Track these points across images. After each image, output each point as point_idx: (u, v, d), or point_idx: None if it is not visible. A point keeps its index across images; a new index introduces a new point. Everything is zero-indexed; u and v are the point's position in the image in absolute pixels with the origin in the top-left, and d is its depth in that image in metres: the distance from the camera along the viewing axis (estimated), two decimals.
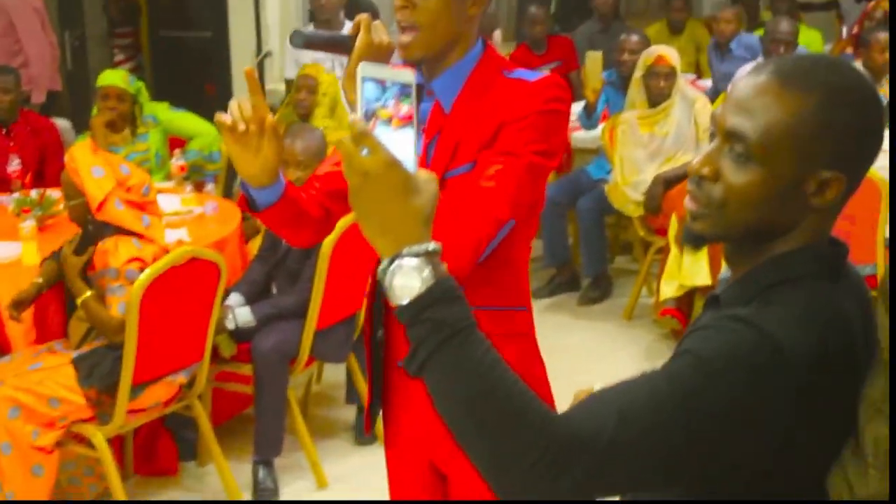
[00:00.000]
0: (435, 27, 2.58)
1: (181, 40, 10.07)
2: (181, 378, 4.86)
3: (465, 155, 2.60)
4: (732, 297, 1.84)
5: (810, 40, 8.84)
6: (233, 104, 2.50)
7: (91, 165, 4.70)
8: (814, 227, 1.83)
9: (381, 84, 1.75)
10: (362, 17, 2.70)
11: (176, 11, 10.43)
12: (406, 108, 1.75)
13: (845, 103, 1.77)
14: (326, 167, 2.90)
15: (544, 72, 2.71)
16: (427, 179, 1.72)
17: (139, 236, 4.72)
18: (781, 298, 1.76)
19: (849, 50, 8.80)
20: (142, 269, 4.60)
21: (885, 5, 8.71)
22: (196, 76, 10.09)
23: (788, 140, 1.76)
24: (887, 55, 7.16)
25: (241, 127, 2.47)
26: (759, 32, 8.62)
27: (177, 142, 6.99)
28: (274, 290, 5.43)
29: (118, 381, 4.57)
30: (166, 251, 4.76)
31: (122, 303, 4.59)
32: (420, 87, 1.78)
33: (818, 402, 1.70)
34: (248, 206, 2.68)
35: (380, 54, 2.63)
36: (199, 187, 6.39)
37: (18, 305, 4.81)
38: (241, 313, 5.18)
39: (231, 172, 7.78)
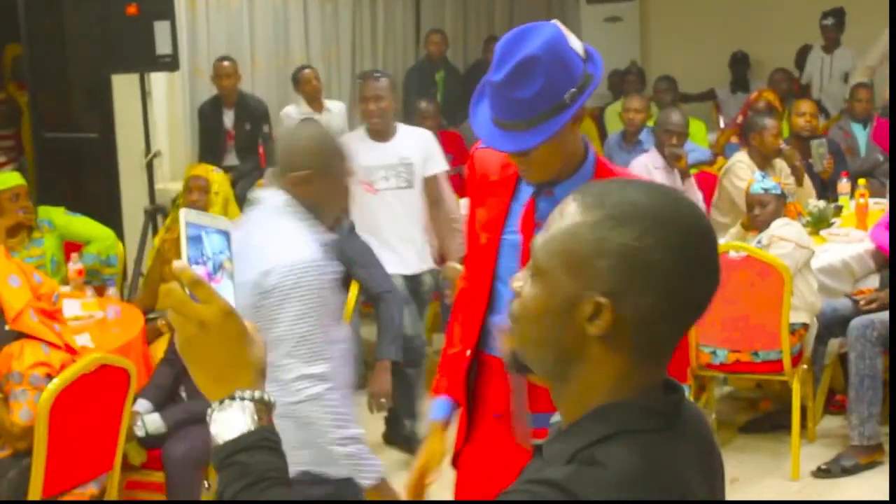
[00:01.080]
0: (549, 164, 2.82)
1: (66, 141, 9.90)
2: (91, 489, 4.72)
3: None
4: (555, 452, 1.62)
5: (695, 131, 9.02)
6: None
7: (7, 274, 4.59)
8: (623, 368, 1.62)
9: (203, 230, 1.72)
10: None
11: (60, 113, 10.26)
12: (223, 257, 1.73)
13: (626, 225, 1.58)
14: None
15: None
16: (257, 330, 1.72)
17: (48, 342, 4.62)
18: (605, 457, 1.54)
19: (734, 139, 8.99)
20: (48, 376, 4.51)
21: (767, 96, 8.94)
22: (82, 177, 9.93)
23: (562, 256, 1.61)
24: (780, 140, 7.33)
25: None
26: None
27: (71, 246, 6.86)
28: (182, 394, 5.32)
29: (26, 493, 4.42)
30: (74, 359, 4.65)
31: (25, 408, 4.48)
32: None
33: None
34: None
35: None
36: (100, 291, 6.26)
37: None
38: (150, 420, 5.06)
39: (133, 275, 7.66)
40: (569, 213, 1.63)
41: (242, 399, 1.68)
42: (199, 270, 1.68)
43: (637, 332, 1.59)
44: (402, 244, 6.47)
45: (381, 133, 6.50)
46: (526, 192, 2.96)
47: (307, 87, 9.29)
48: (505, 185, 3.00)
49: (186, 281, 1.64)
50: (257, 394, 1.68)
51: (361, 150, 6.44)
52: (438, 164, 6.62)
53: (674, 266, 1.58)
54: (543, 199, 2.89)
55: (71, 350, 4.72)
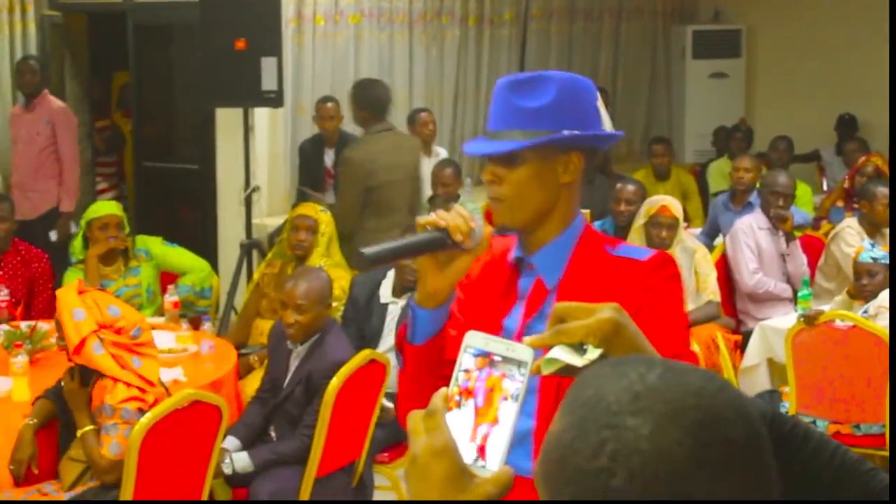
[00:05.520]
0: (522, 198, 2.54)
1: (166, 171, 10.00)
2: None
3: None
4: None
5: (801, 193, 8.85)
6: (456, 215, 2.41)
7: (73, 308, 4.63)
8: None
9: (488, 357, 1.61)
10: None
11: (162, 143, 10.38)
12: (515, 386, 1.59)
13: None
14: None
15: (649, 249, 2.66)
16: (495, 480, 1.55)
17: (141, 377, 4.62)
18: None
19: (839, 203, 8.82)
20: (140, 410, 4.50)
21: (876, 160, 8.75)
22: (179, 208, 10.00)
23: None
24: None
25: (459, 239, 2.39)
26: None
27: (168, 276, 6.87)
28: (272, 434, 5.28)
29: None
30: (168, 393, 4.65)
31: (115, 441, 4.49)
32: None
33: None
34: (407, 340, 2.53)
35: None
36: (195, 324, 6.25)
37: (20, 464, 4.69)
38: (238, 458, 5.02)
39: (226, 309, 7.64)
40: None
41: None
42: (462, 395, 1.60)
43: None
44: None
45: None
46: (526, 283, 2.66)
47: (424, 130, 9.27)
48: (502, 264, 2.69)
49: (427, 409, 1.57)
50: None
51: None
52: None
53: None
54: (524, 274, 2.63)
55: (149, 384, 4.68)
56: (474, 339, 1.61)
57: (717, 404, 1.28)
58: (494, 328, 2.54)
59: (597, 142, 2.63)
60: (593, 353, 1.69)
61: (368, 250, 2.34)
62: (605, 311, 1.71)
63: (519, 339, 2.33)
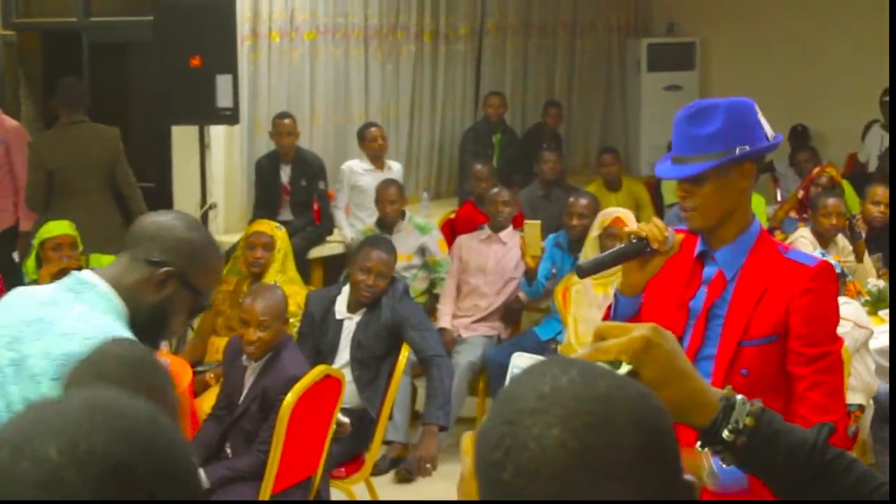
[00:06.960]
0: (709, 207, 3.09)
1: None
2: None
3: (756, 330, 3.06)
4: None
5: (754, 204, 8.89)
6: (653, 226, 3.05)
7: None
8: None
9: None
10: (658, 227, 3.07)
11: None
12: None
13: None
14: None
15: (815, 255, 3.22)
16: None
17: None
18: None
19: (792, 214, 8.89)
20: None
21: (830, 171, 8.82)
22: None
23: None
24: (834, 220, 7.23)
25: (656, 246, 3.03)
26: None
27: None
28: (228, 451, 5.27)
29: None
30: None
31: None
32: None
33: None
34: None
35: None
36: None
37: None
38: None
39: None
40: None
41: None
42: None
43: None
44: None
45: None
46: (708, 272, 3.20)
47: (372, 145, 9.26)
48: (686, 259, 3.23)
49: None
50: None
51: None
52: None
53: None
54: (709, 264, 3.17)
55: None
56: (521, 360, 1.69)
57: (614, 411, 1.33)
58: (681, 308, 3.16)
59: (763, 153, 3.16)
60: (623, 369, 1.75)
61: (583, 263, 3.12)
62: (639, 330, 1.78)
63: (703, 317, 3.13)
